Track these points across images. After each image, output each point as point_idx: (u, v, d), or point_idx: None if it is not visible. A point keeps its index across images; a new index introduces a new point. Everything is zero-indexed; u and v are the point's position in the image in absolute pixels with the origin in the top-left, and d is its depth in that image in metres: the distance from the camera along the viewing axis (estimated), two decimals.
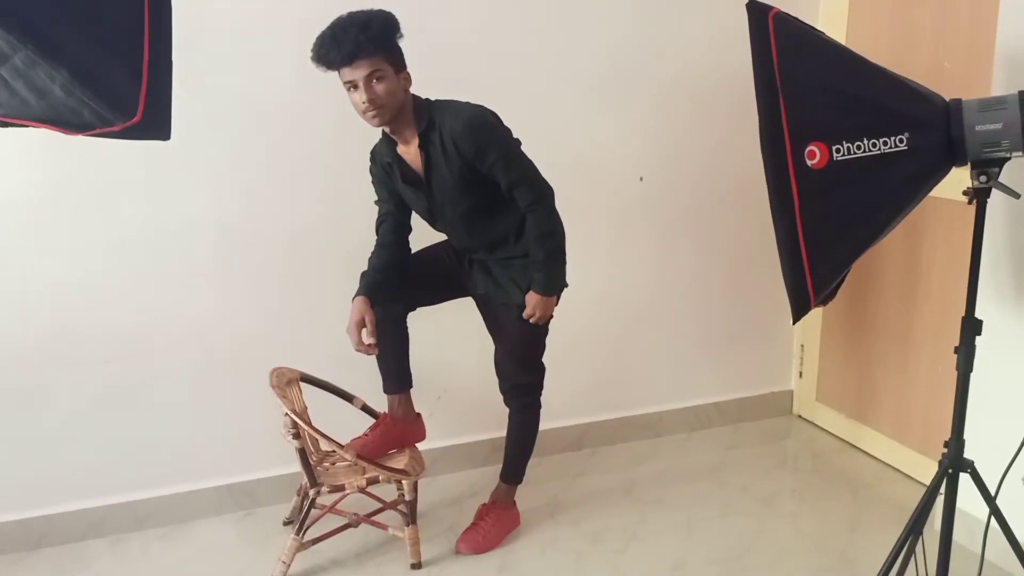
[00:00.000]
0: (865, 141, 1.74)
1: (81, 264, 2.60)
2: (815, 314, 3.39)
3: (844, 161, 1.73)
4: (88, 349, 2.65)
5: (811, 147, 1.72)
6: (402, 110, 2.25)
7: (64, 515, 2.70)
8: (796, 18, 1.82)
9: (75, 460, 2.70)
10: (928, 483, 1.99)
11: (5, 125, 1.49)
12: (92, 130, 1.48)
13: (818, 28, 1.95)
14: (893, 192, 1.81)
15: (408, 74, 2.25)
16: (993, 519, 1.98)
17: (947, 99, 1.83)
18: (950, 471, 1.98)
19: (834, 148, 1.73)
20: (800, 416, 3.58)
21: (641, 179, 3.15)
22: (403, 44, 2.24)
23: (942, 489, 2.00)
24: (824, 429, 3.45)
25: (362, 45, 2.11)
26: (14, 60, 1.41)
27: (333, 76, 2.19)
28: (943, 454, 1.99)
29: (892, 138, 1.75)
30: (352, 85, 2.17)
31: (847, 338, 3.31)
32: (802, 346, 3.53)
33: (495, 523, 2.67)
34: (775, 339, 3.53)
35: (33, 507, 2.68)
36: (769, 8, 1.77)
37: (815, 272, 1.78)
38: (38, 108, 1.45)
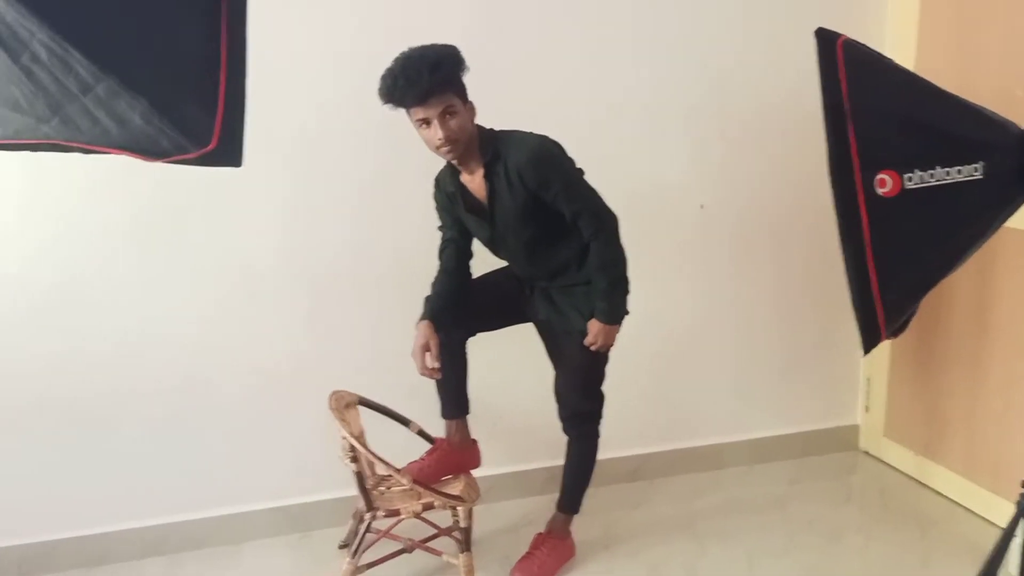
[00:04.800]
0: (938, 169, 1.69)
1: (147, 291, 2.68)
2: (882, 347, 3.30)
3: (916, 190, 1.69)
4: (151, 374, 2.72)
5: (881, 175, 1.69)
6: (471, 142, 2.27)
7: (125, 533, 2.77)
8: (865, 45, 1.79)
9: (137, 480, 2.76)
10: (1000, 523, 1.91)
11: (87, 152, 1.54)
12: (169, 157, 1.52)
13: (887, 55, 1.91)
14: (967, 221, 1.75)
15: (472, 105, 2.26)
16: None
17: (1022, 127, 1.78)
18: None
19: (906, 176, 1.69)
20: (867, 452, 3.48)
21: (702, 207, 3.12)
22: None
23: (1018, 531, 1.92)
24: (891, 466, 3.34)
25: (436, 84, 2.11)
26: (96, 90, 1.45)
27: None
28: (1021, 494, 1.91)
29: (966, 166, 1.70)
30: (424, 122, 2.17)
31: (916, 372, 3.21)
32: (868, 379, 3.43)
33: (550, 553, 2.64)
34: (839, 372, 3.44)
35: (95, 525, 2.75)
36: (838, 35, 1.74)
37: (886, 303, 1.73)
38: (118, 136, 1.49)
